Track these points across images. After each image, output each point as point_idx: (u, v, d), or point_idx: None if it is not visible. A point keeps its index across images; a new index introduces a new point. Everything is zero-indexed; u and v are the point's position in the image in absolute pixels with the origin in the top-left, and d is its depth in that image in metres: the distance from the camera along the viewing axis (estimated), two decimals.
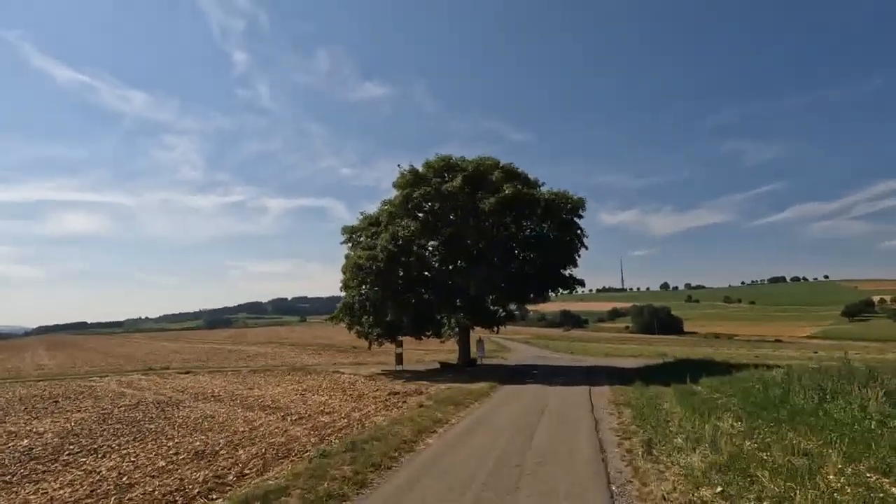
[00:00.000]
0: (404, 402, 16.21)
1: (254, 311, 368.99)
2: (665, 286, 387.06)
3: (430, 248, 26.25)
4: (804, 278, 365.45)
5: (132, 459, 10.14)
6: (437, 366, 28.70)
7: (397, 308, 24.24)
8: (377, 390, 19.64)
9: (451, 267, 25.59)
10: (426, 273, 25.40)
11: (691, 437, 9.89)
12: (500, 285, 24.70)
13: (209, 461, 9.55)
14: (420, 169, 25.64)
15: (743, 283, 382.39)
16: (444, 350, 44.63)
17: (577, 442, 9.65)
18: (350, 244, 27.22)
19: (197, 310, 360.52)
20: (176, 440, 11.92)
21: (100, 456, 10.65)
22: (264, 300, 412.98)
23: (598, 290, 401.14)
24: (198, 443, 11.47)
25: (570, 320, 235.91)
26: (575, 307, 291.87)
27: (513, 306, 29.54)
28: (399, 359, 28.67)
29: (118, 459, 10.21)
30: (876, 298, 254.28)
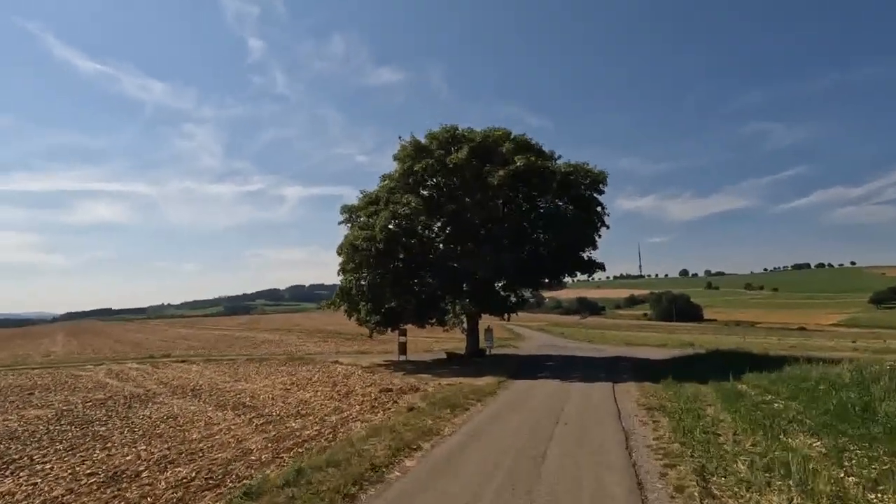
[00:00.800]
0: (396, 401, 13.85)
1: (272, 298, 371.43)
2: (684, 273, 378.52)
3: (435, 229, 23.71)
4: (829, 265, 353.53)
5: (33, 483, 7.94)
6: (444, 356, 26.34)
7: (397, 294, 21.85)
8: (370, 385, 17.35)
9: (456, 249, 22.93)
10: (429, 255, 22.83)
11: (758, 463, 7.28)
12: (510, 269, 22.09)
13: (119, 490, 7.27)
14: (423, 140, 22.98)
15: (765, 269, 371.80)
16: (454, 339, 42.31)
17: (603, 472, 7.09)
18: (349, 225, 24.79)
19: (216, 297, 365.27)
20: (110, 451, 9.76)
21: (2, 475, 8.49)
22: (282, 287, 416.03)
23: (615, 277, 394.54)
24: (131, 456, 9.28)
25: (587, 307, 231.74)
26: (591, 294, 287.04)
27: (526, 292, 26.96)
28: (402, 348, 26.36)
29: (16, 481, 8.02)
30: None
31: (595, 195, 23.68)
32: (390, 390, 15.23)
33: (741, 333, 72.85)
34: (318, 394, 15.82)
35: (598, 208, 23.57)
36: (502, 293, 26.26)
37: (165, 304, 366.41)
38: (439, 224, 23.37)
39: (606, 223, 24.24)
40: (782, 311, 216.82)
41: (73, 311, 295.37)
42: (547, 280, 25.60)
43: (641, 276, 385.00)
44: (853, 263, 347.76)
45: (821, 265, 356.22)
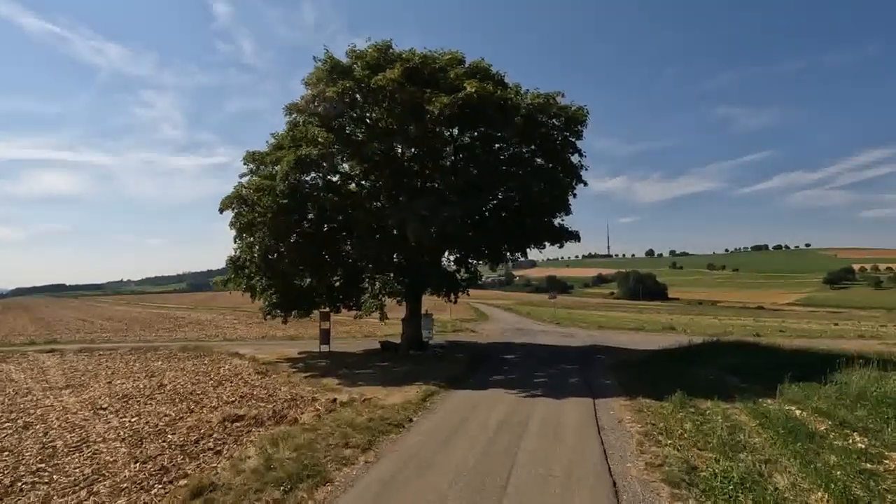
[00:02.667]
0: (248, 431, 8.09)
1: None
2: (650, 253, 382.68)
3: (356, 178, 17.52)
4: (786, 246, 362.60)
5: None
6: (378, 347, 20.57)
7: (305, 266, 15.82)
8: (240, 398, 11.47)
9: (385, 205, 16.69)
10: (350, 213, 16.55)
11: None
12: (459, 234, 16.20)
13: None
14: (343, 60, 16.63)
15: (726, 250, 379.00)
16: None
17: None
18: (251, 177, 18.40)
19: (181, 272, 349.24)
20: None
21: None
22: None
23: (584, 257, 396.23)
24: None
25: (556, 286, 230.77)
26: (561, 273, 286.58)
27: (482, 266, 21.44)
28: (324, 337, 20.45)
29: None
30: (856, 267, 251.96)
31: (571, 139, 17.91)
32: (239, 419, 9.32)
33: (712, 314, 69.71)
34: (151, 415, 9.84)
35: (575, 157, 17.86)
36: (451, 267, 20.55)
37: (126, 280, 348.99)
38: (361, 171, 17.10)
39: (583, 178, 18.60)
40: (743, 291, 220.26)
41: (23, 286, 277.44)
42: (508, 251, 20.00)
43: (609, 256, 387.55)
44: (808, 245, 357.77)
45: (778, 247, 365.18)
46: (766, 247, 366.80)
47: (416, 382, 12.88)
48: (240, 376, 14.99)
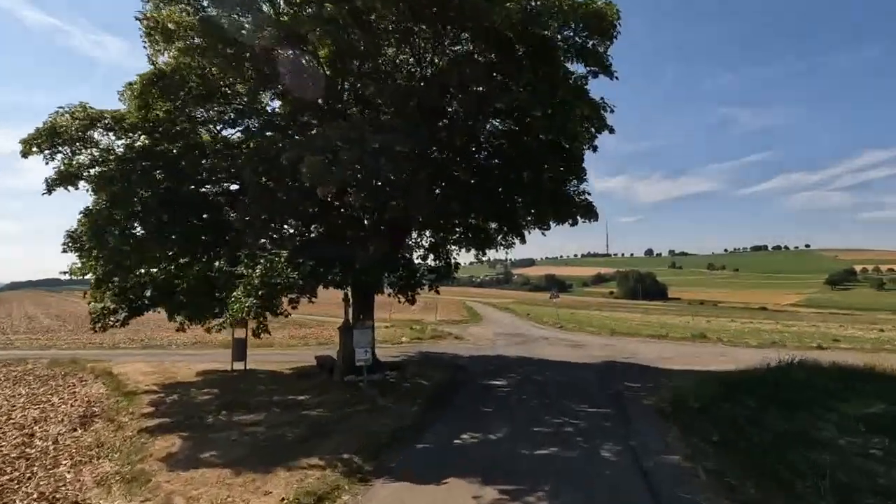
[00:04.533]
0: None
1: None
2: (649, 252, 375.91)
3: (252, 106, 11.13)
4: (786, 247, 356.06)
5: None
6: (316, 364, 14.40)
7: (157, 241, 9.62)
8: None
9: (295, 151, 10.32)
10: (238, 163, 10.09)
11: None
12: (419, 198, 9.86)
13: None
14: None
15: (725, 250, 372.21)
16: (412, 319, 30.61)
17: None
18: None
19: None
20: None
21: None
22: None
23: (582, 256, 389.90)
24: None
25: (556, 285, 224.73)
26: (559, 271, 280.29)
27: (460, 252, 15.38)
28: (239, 350, 14.29)
29: None
30: (858, 268, 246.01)
31: (594, 71, 11.62)
32: None
33: (727, 315, 63.51)
34: None
35: (594, 97, 11.54)
36: (421, 254, 14.45)
37: None
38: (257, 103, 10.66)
39: (609, 124, 12.35)
40: (744, 291, 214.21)
41: (18, 280, 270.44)
42: (499, 229, 13.97)
43: (608, 255, 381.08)
44: (808, 246, 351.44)
45: (778, 247, 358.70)
46: (765, 247, 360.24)
47: (312, 455, 6.75)
48: (48, 422, 8.86)
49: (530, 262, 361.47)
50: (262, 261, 7.95)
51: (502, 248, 17.28)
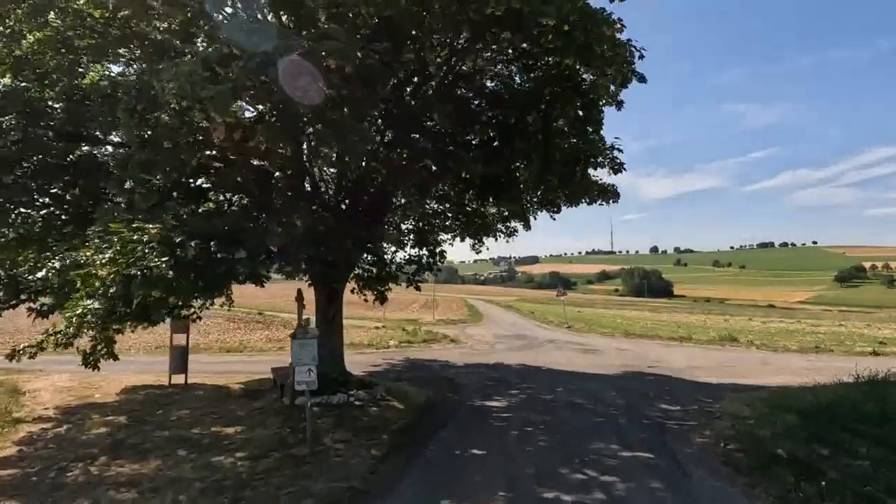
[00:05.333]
0: None
1: None
2: (654, 249, 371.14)
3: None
4: (792, 244, 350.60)
5: None
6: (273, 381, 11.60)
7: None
8: None
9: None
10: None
11: None
12: (366, 144, 6.90)
13: None
14: None
15: (732, 247, 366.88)
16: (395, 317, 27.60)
17: None
18: None
19: None
20: None
21: None
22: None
23: (587, 253, 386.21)
24: None
25: (561, 283, 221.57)
26: (563, 269, 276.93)
27: (449, 243, 12.65)
28: (178, 360, 11.51)
29: None
30: (867, 265, 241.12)
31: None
32: None
33: (745, 315, 60.24)
34: None
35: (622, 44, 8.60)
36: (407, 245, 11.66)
37: None
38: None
39: (639, 71, 9.43)
40: (750, 289, 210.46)
41: None
42: (498, 211, 11.18)
43: (612, 253, 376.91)
44: (815, 243, 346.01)
45: (784, 244, 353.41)
46: (772, 244, 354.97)
47: None
48: None
49: (534, 260, 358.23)
50: (115, 239, 5.13)
51: (502, 236, 14.46)
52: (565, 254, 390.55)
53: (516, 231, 14.47)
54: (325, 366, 9.04)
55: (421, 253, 11.62)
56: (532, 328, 28.96)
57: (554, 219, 12.96)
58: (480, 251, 14.94)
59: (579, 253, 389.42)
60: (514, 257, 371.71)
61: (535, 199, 12.78)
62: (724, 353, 17.78)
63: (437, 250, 11.34)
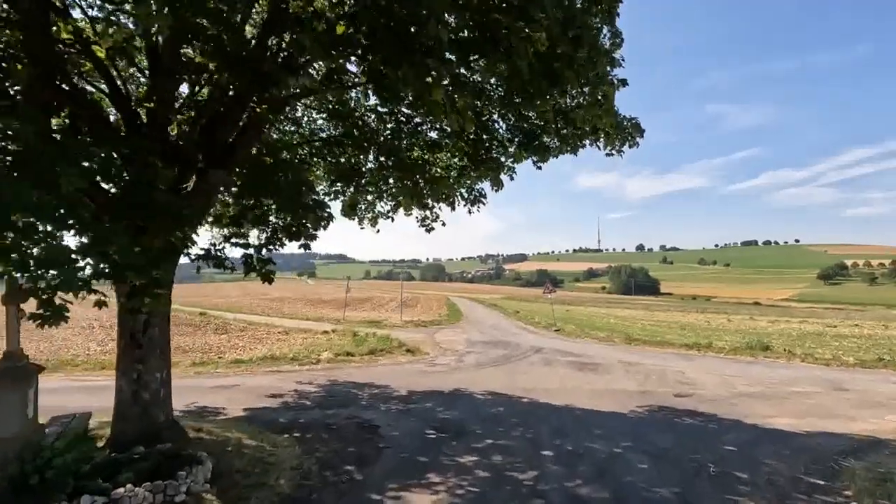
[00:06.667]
0: None
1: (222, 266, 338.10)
2: (640, 248, 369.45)
3: None
4: (775, 242, 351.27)
5: None
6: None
7: None
8: None
9: None
10: None
11: None
12: None
13: None
14: None
15: (716, 245, 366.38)
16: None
17: None
18: None
19: None
20: None
21: None
22: (234, 255, 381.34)
23: (574, 251, 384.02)
24: None
25: (549, 280, 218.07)
26: (550, 267, 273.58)
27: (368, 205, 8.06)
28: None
29: None
30: (849, 262, 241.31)
31: None
32: None
33: (747, 313, 56.06)
34: None
35: None
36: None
37: None
38: None
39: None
40: (735, 286, 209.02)
41: None
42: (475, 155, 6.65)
43: (600, 251, 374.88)
44: (797, 241, 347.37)
45: (767, 242, 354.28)
46: (755, 242, 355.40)
47: None
48: None
49: (522, 258, 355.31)
50: None
51: (464, 203, 9.58)
52: (553, 251, 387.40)
53: (483, 197, 9.62)
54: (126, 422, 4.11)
55: (267, 235, 6.78)
56: (515, 332, 24.13)
57: (540, 167, 8.17)
58: (431, 227, 10.03)
59: (567, 251, 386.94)
60: (502, 255, 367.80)
61: (514, 139, 7.99)
62: (768, 370, 13.07)
63: (321, 214, 6.39)
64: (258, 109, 5.86)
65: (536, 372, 12.72)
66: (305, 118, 9.01)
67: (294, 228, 6.52)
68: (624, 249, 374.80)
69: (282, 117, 8.24)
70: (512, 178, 9.32)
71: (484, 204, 9.60)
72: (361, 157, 8.65)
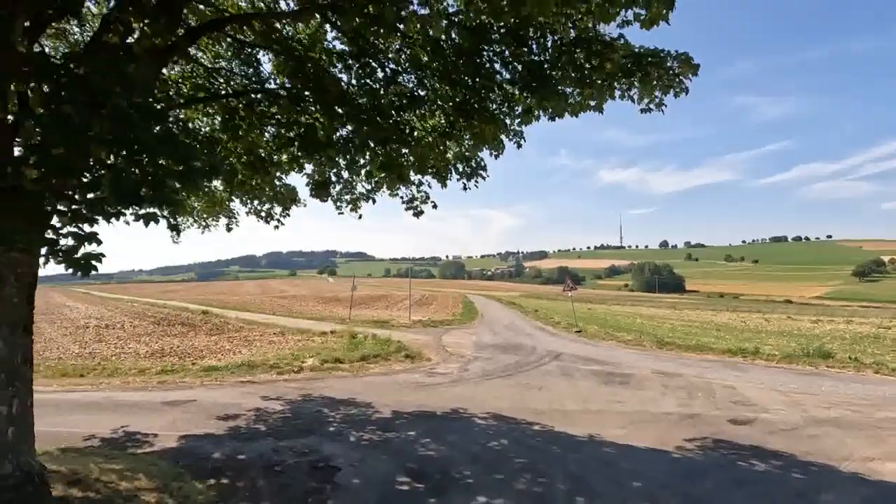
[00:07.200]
0: None
1: (247, 265, 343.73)
2: (664, 244, 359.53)
3: None
4: (806, 238, 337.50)
5: None
6: None
7: None
8: None
9: None
10: None
11: None
12: None
13: None
14: None
15: (743, 241, 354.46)
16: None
17: None
18: None
19: (189, 262, 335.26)
20: None
21: None
22: (259, 253, 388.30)
23: (595, 248, 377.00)
24: None
25: (571, 278, 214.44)
26: (571, 264, 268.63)
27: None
28: None
29: None
30: (886, 258, 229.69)
31: None
32: None
33: (783, 312, 52.34)
34: None
35: None
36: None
37: (137, 269, 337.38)
38: None
39: None
40: (764, 283, 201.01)
41: (39, 275, 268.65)
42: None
43: (622, 247, 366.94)
44: (829, 237, 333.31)
45: (798, 238, 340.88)
46: (785, 238, 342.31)
47: None
48: None
49: (543, 255, 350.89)
50: None
51: (458, 177, 7.53)
52: (574, 248, 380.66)
53: (482, 169, 7.53)
54: None
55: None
56: (532, 332, 21.93)
57: (553, 119, 6.05)
58: (420, 210, 8.01)
59: (588, 248, 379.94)
60: (522, 252, 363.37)
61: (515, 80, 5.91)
62: (839, 385, 10.59)
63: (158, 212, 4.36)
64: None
65: (553, 385, 10.56)
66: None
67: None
68: (647, 246, 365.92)
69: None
70: (519, 146, 7.26)
71: (483, 178, 7.51)
72: (322, 115, 6.64)
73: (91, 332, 21.04)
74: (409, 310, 28.50)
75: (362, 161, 7.40)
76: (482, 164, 7.45)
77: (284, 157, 7.21)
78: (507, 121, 6.74)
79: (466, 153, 7.34)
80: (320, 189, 8.29)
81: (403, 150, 7.09)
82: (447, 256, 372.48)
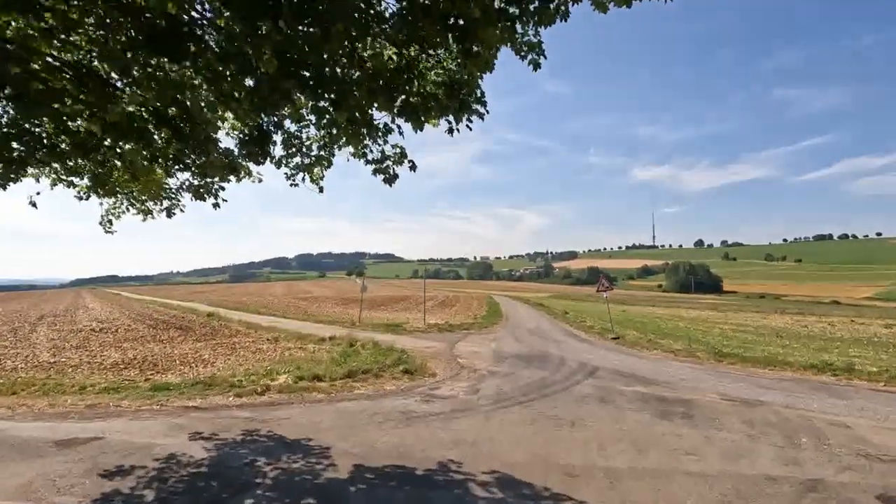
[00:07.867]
0: None
1: (279, 266, 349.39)
2: (699, 243, 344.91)
3: None
4: (853, 236, 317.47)
5: None
6: None
7: None
8: None
9: None
10: None
11: None
12: None
13: None
14: None
15: (785, 240, 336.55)
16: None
17: None
18: None
19: (224, 265, 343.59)
20: None
21: None
22: (290, 255, 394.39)
23: (627, 248, 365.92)
24: None
25: (604, 276, 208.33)
26: (602, 264, 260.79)
27: None
28: None
29: None
30: None
31: None
32: None
33: (838, 313, 47.09)
34: None
35: None
36: None
37: (174, 271, 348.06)
38: None
39: None
40: (808, 284, 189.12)
41: (81, 277, 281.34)
42: None
43: (654, 247, 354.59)
44: (879, 234, 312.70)
45: (844, 236, 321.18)
46: (829, 236, 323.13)
47: None
48: None
49: (573, 255, 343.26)
50: None
51: (410, 133, 4.83)
52: (604, 248, 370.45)
53: (479, 103, 4.83)
54: None
55: None
56: (561, 339, 18.95)
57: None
58: (394, 174, 5.39)
59: (619, 248, 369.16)
60: (551, 252, 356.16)
61: None
62: None
63: None
64: None
65: (590, 419, 7.70)
66: None
67: None
68: (681, 245, 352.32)
69: None
70: (537, 66, 4.57)
71: (480, 115, 4.82)
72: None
73: (79, 338, 19.34)
74: (424, 312, 25.88)
75: (300, 96, 4.80)
76: (477, 93, 4.75)
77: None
78: (519, 26, 4.09)
79: (456, 76, 4.66)
80: (252, 146, 5.76)
81: (355, 73, 4.48)
82: (475, 257, 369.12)
